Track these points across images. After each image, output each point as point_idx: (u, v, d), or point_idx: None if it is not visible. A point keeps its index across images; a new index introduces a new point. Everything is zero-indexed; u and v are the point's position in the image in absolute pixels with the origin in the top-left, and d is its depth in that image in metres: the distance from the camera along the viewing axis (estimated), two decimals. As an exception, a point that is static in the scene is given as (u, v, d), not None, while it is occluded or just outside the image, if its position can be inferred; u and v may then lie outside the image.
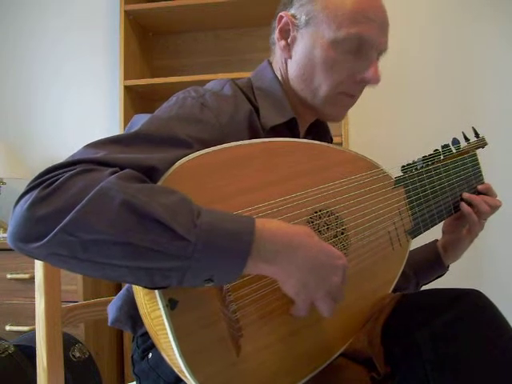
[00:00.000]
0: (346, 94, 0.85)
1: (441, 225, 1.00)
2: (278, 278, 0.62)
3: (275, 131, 0.81)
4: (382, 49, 0.84)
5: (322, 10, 0.81)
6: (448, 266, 1.04)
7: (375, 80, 0.83)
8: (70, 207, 0.52)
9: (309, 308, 0.65)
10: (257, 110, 0.82)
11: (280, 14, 0.86)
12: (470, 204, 0.97)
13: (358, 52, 0.81)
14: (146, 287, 0.59)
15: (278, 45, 0.86)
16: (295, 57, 0.85)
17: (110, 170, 0.57)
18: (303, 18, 0.83)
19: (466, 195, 0.98)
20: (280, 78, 0.88)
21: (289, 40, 0.85)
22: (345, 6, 0.80)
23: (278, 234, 0.60)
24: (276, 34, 0.86)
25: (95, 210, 0.52)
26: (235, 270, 0.57)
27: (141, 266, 0.54)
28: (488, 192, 1.01)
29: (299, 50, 0.84)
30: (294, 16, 0.84)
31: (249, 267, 0.58)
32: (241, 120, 0.77)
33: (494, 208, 0.97)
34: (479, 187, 1.01)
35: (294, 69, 0.85)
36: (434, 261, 1.03)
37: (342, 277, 0.65)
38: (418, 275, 1.02)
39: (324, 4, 0.81)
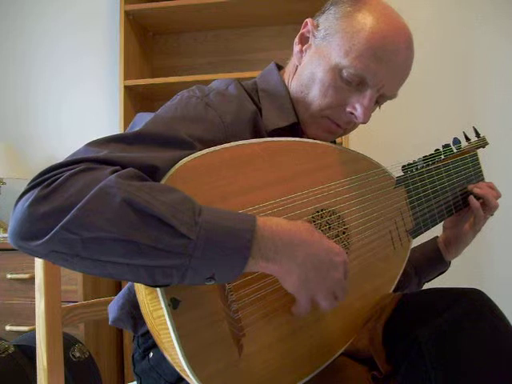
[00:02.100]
0: (331, 120, 0.82)
1: (441, 224, 1.00)
2: (278, 275, 0.62)
3: (277, 134, 0.81)
4: (385, 93, 0.81)
5: (339, 30, 0.79)
6: (450, 262, 1.04)
7: (361, 119, 0.80)
8: (71, 205, 0.52)
9: (310, 306, 0.65)
10: (260, 112, 0.82)
11: (307, 19, 0.84)
12: (477, 198, 0.97)
13: (358, 85, 0.79)
14: (147, 285, 0.59)
15: (295, 48, 0.86)
16: (302, 66, 0.84)
17: (111, 168, 0.57)
18: (322, 31, 0.81)
19: (477, 190, 0.97)
20: (287, 81, 0.87)
21: (304, 47, 0.84)
22: (362, 36, 0.76)
23: (279, 231, 0.60)
24: (297, 37, 0.85)
25: (96, 208, 0.52)
26: (236, 268, 0.57)
27: (142, 263, 0.54)
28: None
29: (307, 60, 0.83)
30: (317, 25, 0.83)
31: (249, 265, 0.58)
32: (244, 120, 0.77)
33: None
34: (481, 184, 1.01)
35: (297, 77, 0.85)
36: (434, 258, 1.03)
37: (342, 273, 0.65)
38: (419, 273, 1.02)
39: (344, 25, 0.78)
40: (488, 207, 0.97)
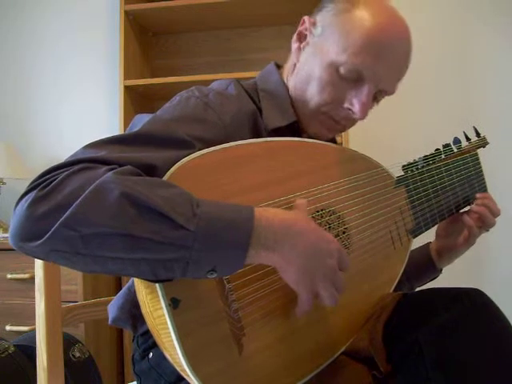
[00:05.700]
0: (329, 117, 0.82)
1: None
2: (278, 265, 0.62)
3: (277, 133, 0.81)
4: (383, 89, 0.81)
5: (336, 27, 0.79)
6: (441, 269, 1.04)
7: (359, 115, 0.79)
8: (69, 203, 0.53)
9: (312, 300, 0.64)
10: (260, 111, 0.82)
11: (305, 17, 0.84)
12: (475, 213, 0.95)
13: (355, 82, 0.78)
14: (149, 281, 0.59)
15: (293, 46, 0.86)
16: (300, 63, 0.84)
17: (108, 167, 0.57)
18: (319, 28, 0.81)
19: (475, 208, 0.96)
20: (285, 79, 0.87)
21: (302, 44, 0.84)
22: (358, 32, 0.76)
23: (276, 221, 0.60)
24: (294, 35, 0.85)
25: (94, 204, 0.53)
26: (237, 259, 0.57)
27: (142, 257, 0.54)
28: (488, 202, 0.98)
29: (305, 58, 0.83)
30: (314, 23, 0.83)
31: (250, 256, 0.58)
32: (244, 120, 0.77)
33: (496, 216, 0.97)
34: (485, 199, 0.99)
35: (295, 74, 0.85)
36: (426, 265, 1.02)
37: (336, 259, 0.64)
38: (410, 280, 1.01)
39: (341, 22, 0.78)
40: (484, 223, 0.95)
